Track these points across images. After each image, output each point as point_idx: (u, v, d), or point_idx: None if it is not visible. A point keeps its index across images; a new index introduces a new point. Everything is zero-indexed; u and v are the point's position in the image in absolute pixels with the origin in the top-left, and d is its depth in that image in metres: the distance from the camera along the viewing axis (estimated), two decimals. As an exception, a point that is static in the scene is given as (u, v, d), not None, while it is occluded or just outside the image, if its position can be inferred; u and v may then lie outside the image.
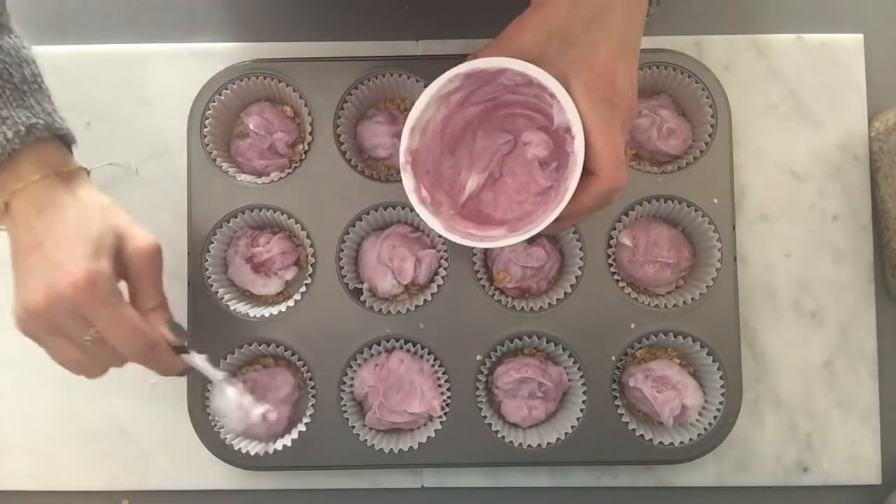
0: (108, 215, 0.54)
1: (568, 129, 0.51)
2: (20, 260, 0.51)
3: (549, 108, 0.54)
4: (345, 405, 0.64)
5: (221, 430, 0.64)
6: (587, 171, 0.51)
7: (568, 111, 0.51)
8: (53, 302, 0.50)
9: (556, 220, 0.53)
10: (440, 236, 0.65)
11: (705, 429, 0.64)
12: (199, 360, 0.57)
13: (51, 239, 0.50)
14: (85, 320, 0.50)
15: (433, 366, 0.65)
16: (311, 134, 0.66)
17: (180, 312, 0.65)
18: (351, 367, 0.65)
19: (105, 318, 0.50)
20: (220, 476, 0.67)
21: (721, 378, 0.64)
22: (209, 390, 0.63)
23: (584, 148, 0.50)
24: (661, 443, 0.64)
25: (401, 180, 0.65)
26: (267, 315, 0.65)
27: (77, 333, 0.51)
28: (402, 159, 0.56)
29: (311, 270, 0.65)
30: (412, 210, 0.65)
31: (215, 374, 0.58)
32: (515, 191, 0.60)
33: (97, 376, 0.54)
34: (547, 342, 0.65)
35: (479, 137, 0.60)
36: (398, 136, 0.66)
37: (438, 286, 0.65)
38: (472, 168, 0.60)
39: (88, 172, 0.56)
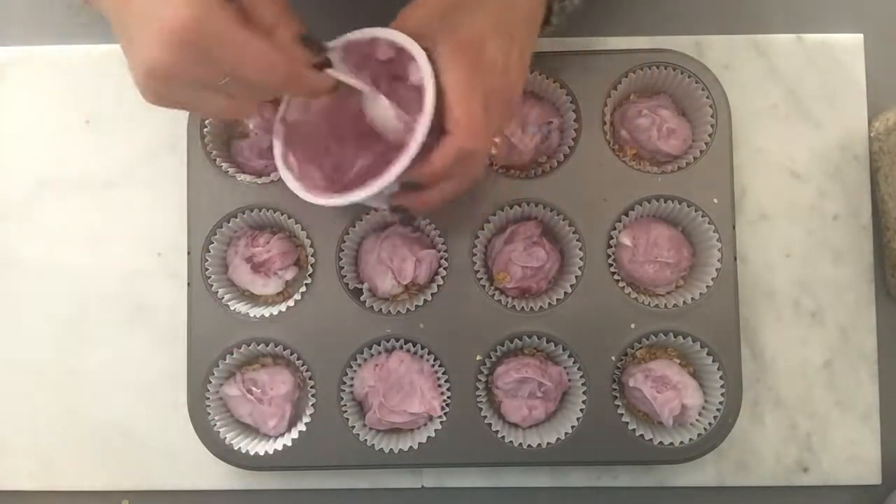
0: None
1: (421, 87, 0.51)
2: (119, 18, 0.46)
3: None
4: (345, 405, 0.64)
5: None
6: (443, 132, 0.51)
7: (422, 68, 0.51)
8: (169, 59, 0.44)
9: (417, 187, 0.52)
10: (440, 236, 0.65)
11: (705, 429, 0.64)
12: (343, 74, 0.53)
13: None
14: (212, 64, 0.45)
15: (433, 366, 0.65)
16: (311, 134, 0.66)
17: (180, 312, 0.66)
18: (351, 367, 0.65)
19: (231, 53, 0.45)
20: (220, 476, 0.67)
21: (721, 378, 0.64)
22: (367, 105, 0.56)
23: (442, 109, 0.51)
24: (661, 443, 0.64)
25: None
26: (267, 315, 0.65)
27: (212, 79, 0.46)
28: (275, 127, 0.56)
29: (311, 270, 0.65)
30: (412, 210, 0.65)
31: (364, 86, 0.54)
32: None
33: (252, 115, 0.53)
34: (547, 342, 0.65)
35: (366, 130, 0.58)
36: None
37: (438, 286, 0.65)
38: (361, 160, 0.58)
39: None
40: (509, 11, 0.52)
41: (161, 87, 0.46)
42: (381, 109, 0.55)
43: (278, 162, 0.57)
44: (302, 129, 0.57)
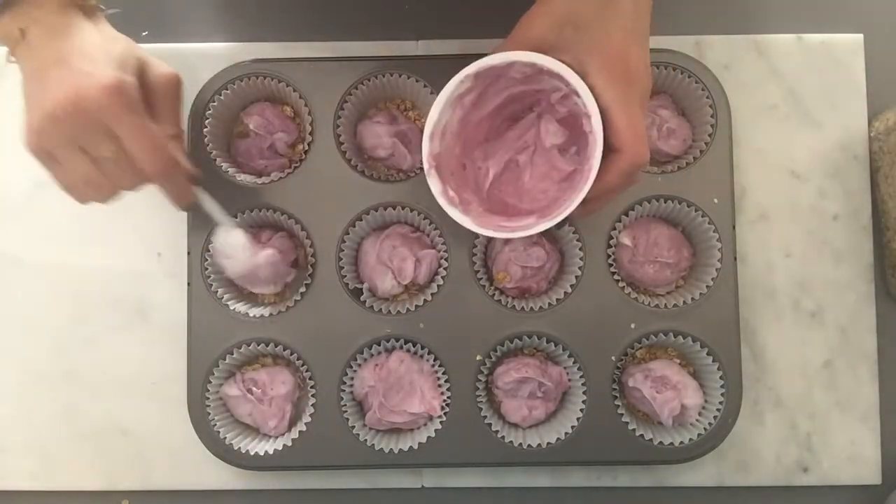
0: (129, 44, 0.53)
1: (584, 113, 0.52)
2: (39, 76, 0.50)
3: (562, 96, 0.55)
4: (345, 405, 0.64)
5: (223, 273, 0.64)
6: (609, 150, 0.52)
7: (581, 92, 0.52)
8: (80, 105, 0.48)
9: (585, 202, 0.53)
10: (440, 236, 0.65)
11: (705, 429, 0.64)
12: (208, 199, 0.57)
13: (76, 53, 0.49)
14: (107, 132, 0.49)
15: (433, 366, 0.65)
16: (311, 134, 0.66)
17: (180, 312, 0.66)
18: (351, 367, 0.65)
19: (131, 127, 0.49)
20: (220, 476, 0.67)
21: (721, 378, 0.64)
22: (213, 234, 0.63)
23: (605, 126, 0.51)
24: (660, 443, 0.64)
25: (401, 180, 0.66)
26: (267, 315, 0.65)
27: (96, 146, 0.50)
28: (426, 165, 0.57)
29: (311, 270, 0.65)
30: (412, 210, 0.65)
31: (221, 215, 0.58)
32: (538, 179, 0.61)
33: (105, 199, 0.53)
34: (547, 342, 0.65)
35: (497, 133, 0.61)
36: (398, 136, 0.66)
37: (438, 286, 0.65)
38: (492, 159, 0.61)
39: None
40: (639, 12, 0.52)
41: (54, 129, 0.49)
42: (232, 239, 0.60)
43: (440, 200, 0.57)
44: (444, 159, 0.58)
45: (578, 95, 0.52)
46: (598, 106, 0.52)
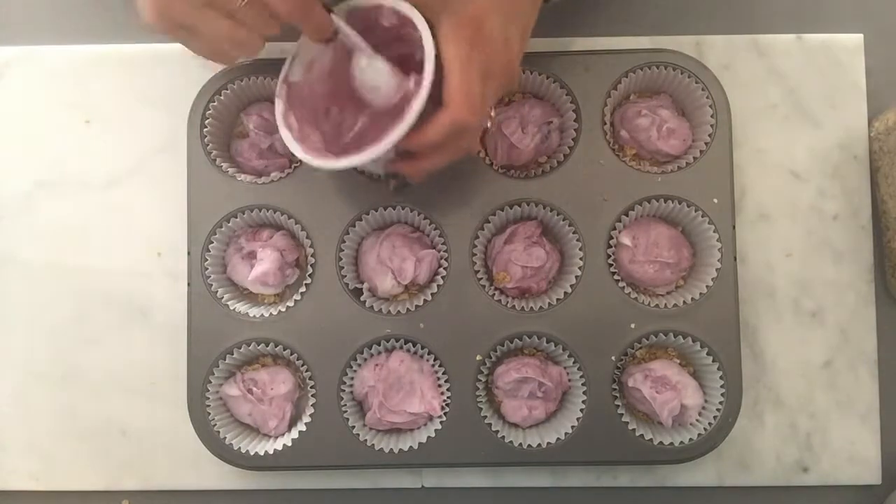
0: None
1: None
2: None
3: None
4: (345, 405, 0.64)
5: (374, 97, 0.58)
6: (440, 104, 0.52)
7: (424, 38, 0.52)
8: None
9: (411, 155, 0.53)
10: (440, 236, 0.65)
11: (705, 429, 0.64)
12: (347, 28, 0.55)
13: None
14: None
15: (433, 366, 0.65)
16: (311, 134, 0.66)
17: (180, 312, 0.66)
18: (351, 367, 0.65)
19: None
20: (220, 476, 0.67)
21: (721, 378, 0.64)
22: (360, 64, 0.57)
23: (441, 84, 0.52)
24: (661, 443, 0.64)
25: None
26: (267, 315, 0.65)
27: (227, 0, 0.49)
28: (278, 87, 0.57)
29: (311, 270, 0.65)
30: (412, 210, 0.65)
31: (362, 43, 0.56)
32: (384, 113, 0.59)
33: (251, 52, 0.53)
34: (547, 342, 0.65)
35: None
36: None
37: (438, 286, 0.65)
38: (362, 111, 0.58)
39: None
40: None
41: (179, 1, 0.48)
42: (377, 71, 0.56)
43: (279, 120, 0.57)
44: (304, 91, 0.58)
45: (423, 45, 0.53)
46: (439, 62, 0.52)
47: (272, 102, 0.68)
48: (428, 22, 0.53)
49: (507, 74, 0.55)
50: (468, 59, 0.52)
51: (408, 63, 0.56)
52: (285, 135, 0.57)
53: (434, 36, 0.53)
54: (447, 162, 0.56)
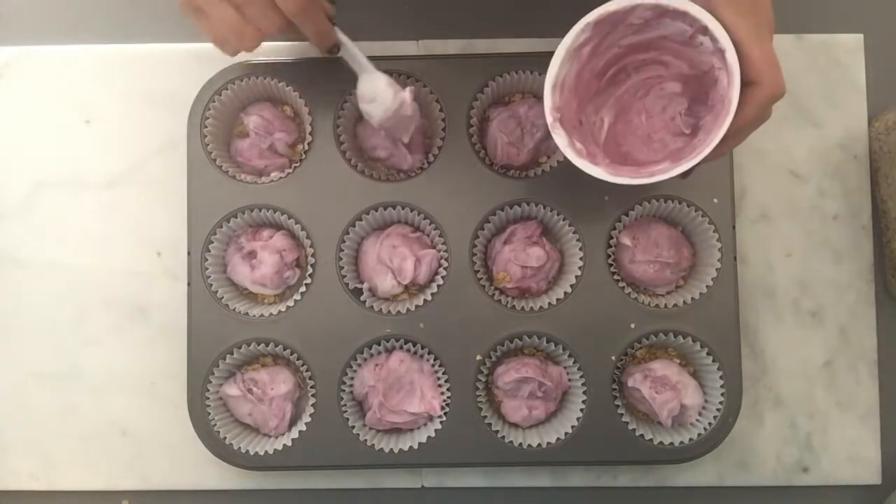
0: None
1: (716, 49, 0.52)
2: None
3: (680, 44, 0.55)
4: (345, 405, 0.64)
5: (370, 122, 0.62)
6: (743, 84, 0.52)
7: (711, 26, 0.52)
8: None
9: (722, 140, 0.52)
10: (440, 236, 0.65)
11: (705, 429, 0.64)
12: (349, 41, 0.57)
13: None
14: None
15: (433, 366, 0.65)
16: (311, 134, 0.66)
17: (180, 312, 0.66)
18: (351, 366, 0.65)
19: None
20: (220, 476, 0.67)
21: (721, 378, 0.64)
22: (357, 78, 0.61)
23: (738, 60, 0.51)
24: (661, 443, 0.64)
25: (401, 180, 0.66)
26: (267, 315, 0.65)
27: None
28: (549, 119, 0.56)
29: (311, 270, 0.65)
30: (412, 210, 0.65)
31: (363, 59, 0.58)
32: (656, 129, 0.61)
33: (251, 47, 0.55)
34: (547, 342, 0.65)
35: (608, 86, 0.61)
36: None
37: (438, 286, 0.65)
38: (605, 110, 0.61)
39: None
40: None
41: None
42: (376, 83, 0.59)
43: (567, 153, 0.56)
44: (564, 113, 0.57)
45: (706, 33, 0.52)
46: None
47: (272, 102, 0.68)
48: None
49: (772, 22, 0.54)
50: (758, 30, 0.52)
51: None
52: (584, 165, 0.55)
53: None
54: (747, 136, 0.56)
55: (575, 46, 0.55)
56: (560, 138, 0.56)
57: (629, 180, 0.55)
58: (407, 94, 0.60)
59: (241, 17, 0.53)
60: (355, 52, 0.59)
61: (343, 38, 0.57)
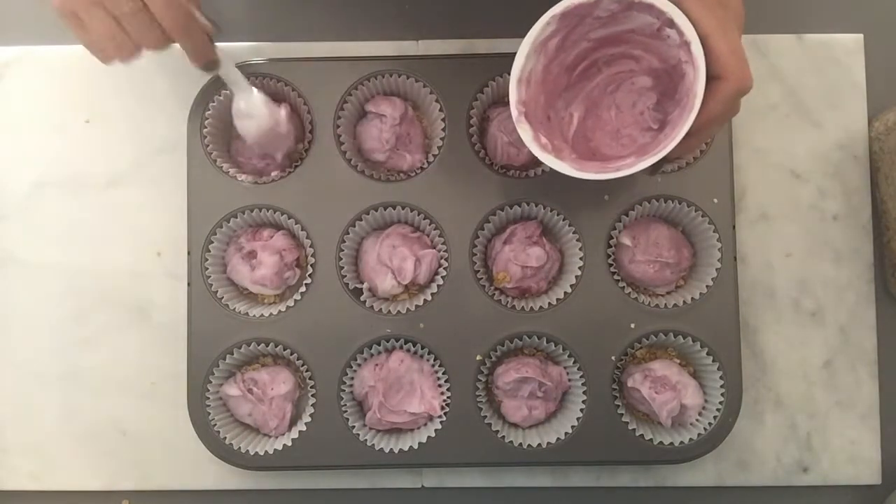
0: None
1: (682, 42, 0.52)
2: None
3: (648, 37, 0.54)
4: (345, 405, 0.64)
5: (245, 138, 0.64)
6: (709, 79, 0.51)
7: (677, 19, 0.51)
8: None
9: (687, 136, 0.52)
10: (440, 236, 0.65)
11: (705, 429, 0.64)
12: (227, 59, 0.58)
13: None
14: None
15: (433, 366, 0.65)
16: (311, 133, 0.66)
17: (180, 312, 0.66)
18: (351, 366, 0.65)
19: None
20: (220, 476, 0.67)
21: (721, 378, 0.64)
22: (232, 98, 0.63)
23: (704, 53, 0.51)
24: (661, 443, 0.64)
25: (401, 180, 0.66)
26: (267, 315, 0.65)
27: (116, 3, 0.51)
28: (514, 113, 0.55)
29: (311, 270, 0.65)
30: (412, 210, 0.65)
31: (239, 77, 0.59)
32: (625, 125, 0.61)
33: (126, 58, 0.54)
34: (547, 342, 0.65)
35: (577, 81, 0.61)
36: (398, 136, 0.66)
37: (438, 286, 0.65)
38: (574, 105, 0.61)
39: None
40: None
41: None
42: (253, 102, 0.60)
43: (532, 147, 0.55)
44: (530, 108, 0.57)
45: (673, 25, 0.52)
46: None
47: (273, 102, 0.68)
48: None
49: (742, 16, 0.54)
50: (725, 24, 0.51)
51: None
52: (549, 160, 0.55)
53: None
54: (716, 131, 0.55)
55: (541, 40, 0.55)
56: (525, 133, 0.55)
57: (594, 175, 0.54)
58: (282, 112, 0.62)
59: (119, 28, 0.52)
60: (232, 69, 0.60)
61: (221, 56, 0.57)
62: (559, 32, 0.56)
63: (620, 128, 0.61)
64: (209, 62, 0.57)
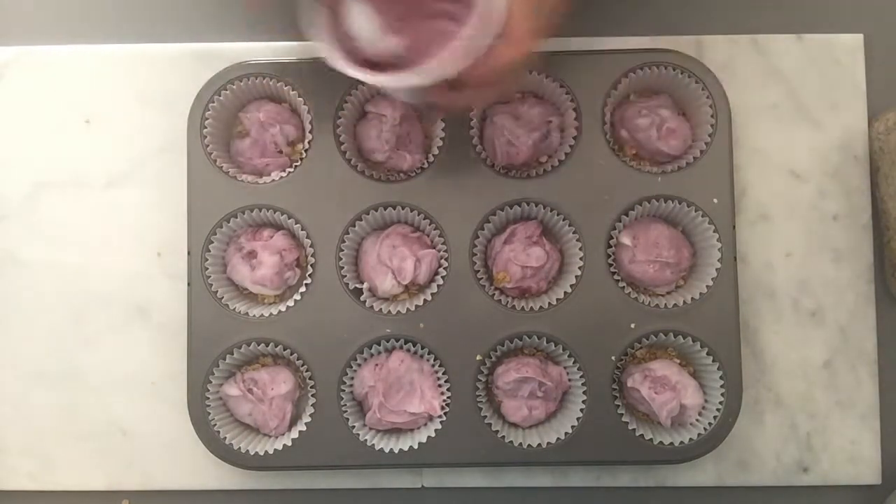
0: None
1: None
2: None
3: None
4: (345, 405, 0.65)
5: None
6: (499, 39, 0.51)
7: None
8: None
9: (459, 89, 0.52)
10: (440, 236, 0.65)
11: (705, 429, 0.64)
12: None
13: None
14: None
15: (433, 366, 0.65)
16: (311, 133, 0.66)
17: (180, 312, 0.66)
18: (351, 366, 0.65)
19: None
20: (220, 476, 0.67)
21: (721, 378, 0.64)
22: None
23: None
24: (661, 443, 0.64)
25: (401, 180, 0.66)
26: (267, 315, 0.65)
27: None
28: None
29: (311, 270, 0.65)
30: (412, 210, 0.65)
31: None
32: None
33: None
34: (547, 342, 0.65)
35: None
36: (398, 136, 0.66)
37: (438, 286, 0.65)
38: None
39: None
40: None
41: None
42: (357, 13, 0.55)
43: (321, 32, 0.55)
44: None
45: None
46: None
47: (272, 101, 0.68)
48: None
49: (553, 4, 0.54)
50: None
51: None
52: (324, 49, 0.54)
53: None
54: (490, 100, 0.56)
55: None
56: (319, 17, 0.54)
57: (353, 72, 0.54)
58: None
59: None
60: None
61: None
62: None
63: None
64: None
